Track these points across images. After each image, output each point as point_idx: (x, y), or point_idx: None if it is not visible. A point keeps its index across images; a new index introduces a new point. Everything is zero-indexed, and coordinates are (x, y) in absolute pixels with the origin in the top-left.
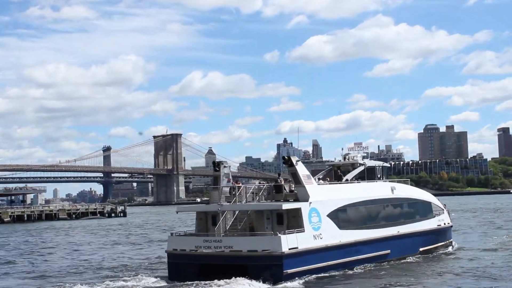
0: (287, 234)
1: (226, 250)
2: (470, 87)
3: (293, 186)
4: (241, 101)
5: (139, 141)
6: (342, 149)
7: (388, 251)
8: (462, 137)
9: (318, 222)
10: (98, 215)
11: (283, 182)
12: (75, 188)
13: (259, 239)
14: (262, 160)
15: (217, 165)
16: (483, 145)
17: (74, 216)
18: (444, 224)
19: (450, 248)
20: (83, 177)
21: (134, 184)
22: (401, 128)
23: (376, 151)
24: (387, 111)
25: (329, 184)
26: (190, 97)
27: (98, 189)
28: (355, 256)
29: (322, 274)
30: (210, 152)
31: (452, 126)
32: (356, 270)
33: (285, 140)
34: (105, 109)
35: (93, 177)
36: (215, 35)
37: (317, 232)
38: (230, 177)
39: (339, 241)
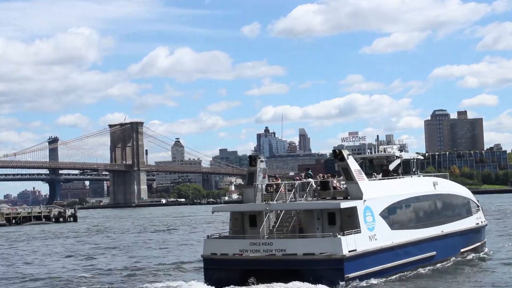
0: (346, 235)
1: (277, 253)
2: (486, 65)
3: (334, 183)
4: (214, 83)
5: (92, 131)
6: (343, 140)
7: (434, 252)
8: (476, 125)
9: (372, 222)
10: (43, 220)
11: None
12: (15, 188)
13: (317, 241)
14: (240, 154)
15: (253, 159)
16: (502, 135)
17: (14, 221)
18: (481, 222)
19: (486, 249)
20: (25, 174)
21: (87, 183)
22: (405, 114)
23: (374, 142)
24: (388, 95)
25: (378, 180)
26: (154, 78)
27: (43, 188)
28: (406, 259)
29: (378, 279)
30: (178, 144)
31: (465, 112)
32: (405, 274)
33: (266, 130)
34: (51, 93)
35: (37, 174)
36: (183, 4)
37: (372, 232)
38: (266, 173)
39: (392, 243)
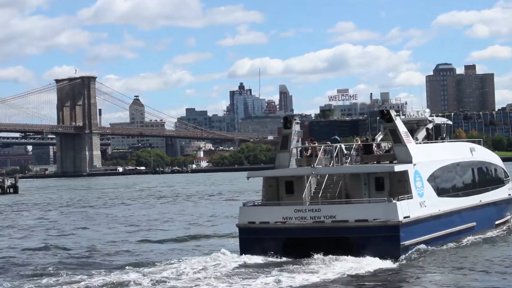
0: (400, 200)
1: (326, 220)
2: (500, 12)
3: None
4: (181, 31)
5: (36, 87)
6: (331, 98)
7: (474, 223)
8: (487, 81)
9: (421, 188)
10: None
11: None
12: None
13: (370, 207)
14: (210, 114)
15: (288, 121)
16: None
17: None
18: None
19: None
20: None
21: (29, 148)
22: (404, 69)
23: (368, 101)
24: (385, 46)
25: (424, 143)
26: (110, 25)
27: None
28: (450, 228)
29: (430, 248)
30: (137, 102)
31: (474, 67)
32: (451, 244)
33: (241, 86)
34: None
35: None
36: None
37: (422, 199)
38: (301, 136)
39: (439, 210)
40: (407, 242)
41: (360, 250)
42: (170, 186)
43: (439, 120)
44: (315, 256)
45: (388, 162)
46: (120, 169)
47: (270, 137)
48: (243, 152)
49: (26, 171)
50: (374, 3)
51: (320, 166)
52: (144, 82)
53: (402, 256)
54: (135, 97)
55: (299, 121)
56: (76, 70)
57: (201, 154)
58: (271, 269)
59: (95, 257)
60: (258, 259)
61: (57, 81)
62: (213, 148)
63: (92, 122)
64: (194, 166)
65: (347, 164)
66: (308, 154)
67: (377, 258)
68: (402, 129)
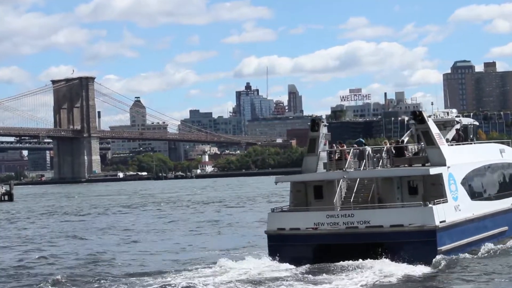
0: (436, 204)
1: (360, 226)
2: None
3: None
4: (185, 29)
5: (32, 88)
6: (343, 98)
7: (506, 227)
8: (508, 79)
9: (455, 191)
10: None
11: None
12: None
13: (405, 211)
14: (215, 116)
15: (316, 123)
16: None
17: None
18: None
19: None
20: None
21: (25, 153)
22: (419, 66)
23: (382, 101)
24: (399, 42)
25: (455, 145)
26: (110, 22)
27: None
28: (484, 233)
29: (464, 254)
30: (138, 104)
31: (494, 64)
32: (482, 249)
33: (248, 86)
34: None
35: None
36: None
37: (456, 202)
38: (329, 139)
39: (472, 214)
40: (443, 248)
41: (395, 256)
42: (191, 192)
43: (466, 120)
44: (349, 262)
45: (420, 164)
46: (121, 174)
47: (279, 140)
48: (250, 156)
49: (22, 177)
50: None
51: (352, 169)
52: (145, 82)
53: (438, 262)
54: (135, 99)
55: (326, 124)
56: (73, 70)
57: (206, 158)
58: (303, 276)
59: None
60: (288, 266)
61: (53, 82)
62: (218, 152)
63: (91, 125)
64: (198, 171)
65: (379, 167)
66: (337, 157)
67: (412, 264)
68: (435, 130)
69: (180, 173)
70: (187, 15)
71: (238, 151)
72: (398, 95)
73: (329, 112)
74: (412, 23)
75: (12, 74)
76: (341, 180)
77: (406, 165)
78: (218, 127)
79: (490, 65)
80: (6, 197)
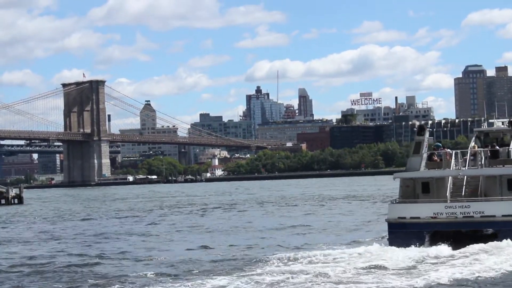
0: None
1: (476, 215)
2: None
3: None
4: (197, 33)
5: (44, 91)
6: (353, 102)
7: None
8: None
9: None
10: None
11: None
12: None
13: None
14: (225, 120)
15: (422, 128)
16: None
17: None
18: None
19: None
20: None
21: (35, 156)
22: (432, 71)
23: (392, 105)
24: (412, 46)
25: None
26: (122, 26)
27: None
28: None
29: None
30: (148, 107)
31: (505, 68)
32: None
33: (258, 90)
34: None
35: None
36: None
37: None
38: (432, 142)
39: None
40: None
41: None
42: (232, 203)
43: None
44: (468, 248)
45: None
46: (131, 178)
47: (289, 144)
48: (260, 160)
49: (31, 181)
50: (402, 1)
51: (464, 168)
52: (157, 86)
53: None
54: (146, 102)
55: (430, 129)
56: (84, 74)
57: (216, 162)
58: (439, 260)
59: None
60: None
61: (64, 85)
62: (228, 156)
63: (101, 128)
64: (208, 174)
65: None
66: (438, 159)
67: None
68: None
69: (190, 176)
70: (200, 18)
71: (248, 155)
72: (409, 99)
73: (339, 116)
74: (426, 27)
75: (25, 77)
76: (458, 176)
77: (500, 166)
78: (228, 130)
79: (501, 70)
80: (16, 200)
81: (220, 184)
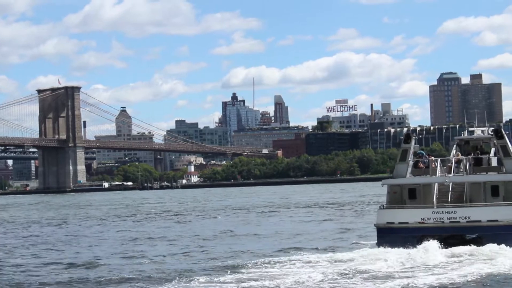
0: None
1: (462, 220)
2: (510, 18)
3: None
4: (173, 39)
5: (18, 97)
6: (329, 109)
7: None
8: (494, 91)
9: None
10: None
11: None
12: None
13: (500, 209)
14: (201, 126)
15: (409, 137)
16: None
17: None
18: None
19: None
20: None
21: (9, 162)
22: (407, 78)
23: (368, 113)
24: (388, 54)
25: None
26: (98, 33)
27: None
28: None
29: None
30: (124, 114)
31: (480, 76)
32: None
33: (234, 97)
34: None
35: None
36: None
37: None
38: (416, 150)
39: None
40: None
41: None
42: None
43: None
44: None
45: (496, 172)
46: (106, 184)
47: (265, 151)
48: (236, 167)
49: (6, 187)
50: (378, 9)
51: (450, 175)
52: (133, 92)
53: None
54: (121, 108)
55: (416, 137)
56: (59, 81)
57: (192, 168)
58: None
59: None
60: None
61: (39, 91)
62: (204, 163)
63: (76, 135)
64: (184, 181)
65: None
66: (424, 166)
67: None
68: (510, 145)
69: (165, 183)
70: (176, 25)
71: (224, 162)
72: (384, 107)
73: (315, 123)
74: (401, 35)
75: (0, 83)
76: (444, 183)
77: (484, 173)
78: (204, 137)
79: (476, 77)
80: None
81: (195, 191)
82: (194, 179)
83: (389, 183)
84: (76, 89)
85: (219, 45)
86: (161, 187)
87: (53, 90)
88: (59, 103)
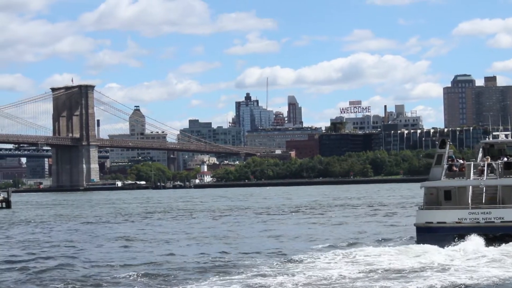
0: None
1: (496, 221)
2: None
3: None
4: (188, 39)
5: (33, 95)
6: (342, 110)
7: None
8: (508, 93)
9: None
10: None
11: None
12: None
13: None
14: (214, 126)
15: (444, 143)
16: None
17: None
18: None
19: None
20: None
21: (23, 160)
22: (422, 80)
23: (382, 114)
24: (402, 55)
25: None
26: (113, 31)
27: None
28: None
29: None
30: (137, 113)
31: (494, 78)
32: None
33: (248, 97)
34: None
35: None
36: None
37: None
38: (451, 154)
39: None
40: None
41: None
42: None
43: None
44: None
45: None
46: (119, 183)
47: (278, 151)
48: (249, 167)
49: (20, 185)
50: (393, 10)
51: (484, 178)
52: (148, 91)
53: None
54: (135, 107)
55: (451, 143)
56: (72, 79)
57: (205, 168)
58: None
59: None
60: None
61: (53, 89)
62: (217, 162)
63: (90, 133)
64: (197, 181)
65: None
66: (458, 169)
67: None
68: None
69: (178, 182)
70: (191, 25)
71: (237, 162)
72: (398, 108)
73: (329, 124)
74: (416, 36)
75: (15, 81)
76: (479, 186)
77: None
78: (217, 137)
79: (490, 80)
80: (4, 205)
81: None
82: (207, 179)
83: (427, 185)
84: (90, 87)
85: (234, 45)
86: (174, 187)
87: (67, 88)
88: (73, 102)
